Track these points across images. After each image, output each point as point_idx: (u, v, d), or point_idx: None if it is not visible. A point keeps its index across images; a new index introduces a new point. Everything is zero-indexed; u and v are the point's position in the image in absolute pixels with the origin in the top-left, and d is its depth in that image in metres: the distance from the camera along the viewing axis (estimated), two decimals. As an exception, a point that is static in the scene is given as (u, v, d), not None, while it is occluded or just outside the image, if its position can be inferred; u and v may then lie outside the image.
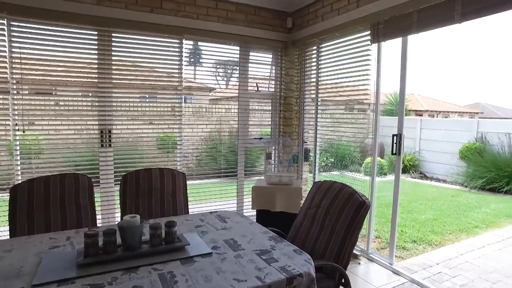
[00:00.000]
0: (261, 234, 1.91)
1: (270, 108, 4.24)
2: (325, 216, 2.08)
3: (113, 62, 3.18)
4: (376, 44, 2.94)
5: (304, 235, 2.17)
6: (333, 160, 9.37)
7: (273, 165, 4.14)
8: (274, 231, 2.03)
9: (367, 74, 3.05)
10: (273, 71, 4.18)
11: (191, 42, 3.66)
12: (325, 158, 9.28)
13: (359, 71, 3.14)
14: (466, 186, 7.43)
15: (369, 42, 2.98)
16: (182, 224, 2.06)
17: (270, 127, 4.26)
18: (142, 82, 3.39)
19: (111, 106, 3.22)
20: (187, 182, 2.64)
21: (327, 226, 2.04)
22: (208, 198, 3.91)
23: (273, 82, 4.22)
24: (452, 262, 3.32)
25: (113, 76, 3.19)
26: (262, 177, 3.87)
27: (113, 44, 3.14)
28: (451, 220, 4.71)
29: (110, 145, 3.22)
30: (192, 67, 3.76)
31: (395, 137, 2.93)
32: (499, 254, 3.59)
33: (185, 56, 3.55)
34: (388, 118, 10.91)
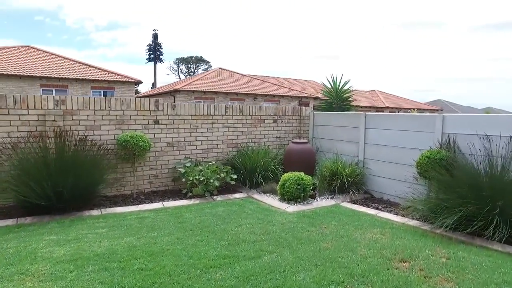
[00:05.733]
0: None
1: None
2: None
3: None
4: None
5: None
6: (236, 177, 6.24)
7: None
8: None
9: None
10: None
11: None
12: (223, 175, 6.15)
13: None
14: (431, 223, 4.63)
15: None
16: None
17: None
18: None
19: None
20: None
21: None
22: None
23: None
24: None
25: None
26: None
27: None
28: None
29: None
30: None
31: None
32: None
33: None
34: (325, 115, 8.05)
